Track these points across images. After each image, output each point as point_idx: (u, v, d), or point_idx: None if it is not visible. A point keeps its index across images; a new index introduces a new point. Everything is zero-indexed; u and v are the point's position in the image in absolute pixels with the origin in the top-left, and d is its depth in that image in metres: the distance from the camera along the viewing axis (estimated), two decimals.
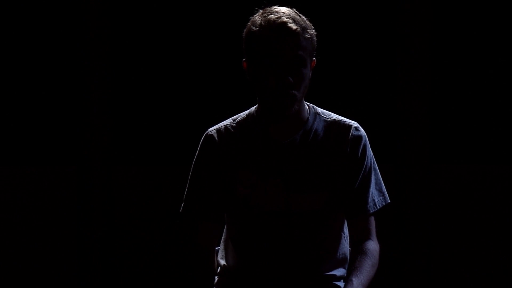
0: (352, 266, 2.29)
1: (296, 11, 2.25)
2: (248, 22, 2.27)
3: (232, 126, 2.37)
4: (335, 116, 2.37)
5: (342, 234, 2.39)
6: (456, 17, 4.28)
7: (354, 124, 2.36)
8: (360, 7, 4.30)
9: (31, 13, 4.30)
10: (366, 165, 2.34)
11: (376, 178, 2.37)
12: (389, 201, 2.40)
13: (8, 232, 4.30)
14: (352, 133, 2.33)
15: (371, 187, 2.35)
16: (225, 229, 2.44)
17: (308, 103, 2.37)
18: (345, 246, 2.41)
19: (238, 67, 2.56)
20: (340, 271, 2.39)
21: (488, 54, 4.28)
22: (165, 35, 4.33)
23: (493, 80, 4.28)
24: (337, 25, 4.29)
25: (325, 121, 2.35)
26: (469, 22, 4.28)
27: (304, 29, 2.20)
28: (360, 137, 2.34)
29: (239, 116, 2.39)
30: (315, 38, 2.25)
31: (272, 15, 2.20)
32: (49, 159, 4.33)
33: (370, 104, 4.31)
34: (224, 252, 2.44)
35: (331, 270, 2.37)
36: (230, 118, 2.40)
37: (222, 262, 2.43)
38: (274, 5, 2.26)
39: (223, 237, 2.46)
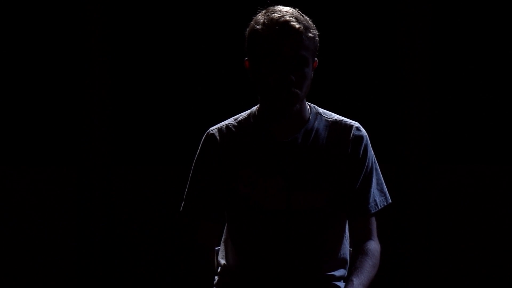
0: (353, 266, 2.29)
1: (299, 11, 2.26)
2: (250, 21, 2.28)
3: (233, 125, 2.37)
4: (336, 116, 2.38)
5: (343, 234, 2.40)
6: (456, 17, 4.29)
7: (355, 124, 2.36)
8: (362, 8, 4.30)
9: (31, 13, 4.30)
10: (367, 165, 2.34)
11: (378, 178, 2.37)
12: (390, 201, 2.40)
13: (8, 232, 4.29)
14: (353, 133, 2.34)
15: (373, 187, 2.35)
16: (225, 229, 2.44)
17: (309, 103, 2.37)
18: (346, 246, 2.41)
19: (239, 66, 2.56)
20: (340, 271, 2.39)
21: (488, 54, 4.28)
22: (166, 34, 4.33)
23: (493, 80, 4.28)
24: (339, 26, 4.29)
25: (326, 121, 2.36)
26: (469, 22, 4.28)
27: (306, 28, 2.21)
28: (361, 137, 2.34)
29: (240, 115, 2.39)
30: (317, 38, 2.26)
31: (275, 14, 2.21)
32: (49, 159, 4.33)
33: (371, 104, 4.31)
34: (224, 252, 2.44)
35: (331, 270, 2.37)
36: (232, 118, 2.40)
37: (222, 261, 2.44)
38: (277, 4, 2.27)
39: (223, 237, 2.46)
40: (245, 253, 2.35)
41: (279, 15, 2.21)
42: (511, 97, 4.28)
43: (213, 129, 2.38)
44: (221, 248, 2.47)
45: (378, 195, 2.36)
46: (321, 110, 2.38)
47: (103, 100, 4.29)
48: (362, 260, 2.28)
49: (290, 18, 2.20)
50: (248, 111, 2.39)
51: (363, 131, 2.36)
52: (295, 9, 2.26)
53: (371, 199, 2.34)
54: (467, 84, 4.29)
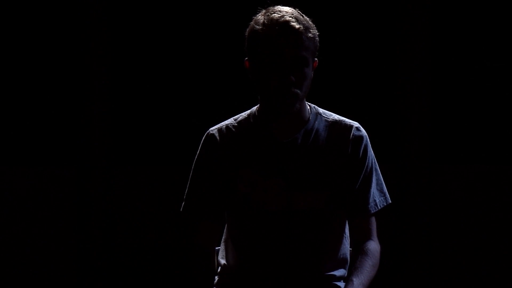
0: (353, 266, 2.29)
1: (299, 11, 2.26)
2: (250, 21, 2.28)
3: (233, 126, 2.37)
4: (336, 117, 2.38)
5: (343, 234, 2.40)
6: (456, 17, 4.29)
7: (355, 124, 2.36)
8: (362, 8, 4.31)
9: (31, 13, 4.30)
10: (367, 166, 2.34)
11: (377, 178, 2.37)
12: (390, 201, 2.40)
13: (8, 232, 4.30)
14: (353, 133, 2.34)
15: (372, 188, 2.35)
16: (225, 229, 2.44)
17: (309, 103, 2.37)
18: (346, 246, 2.41)
19: (239, 66, 2.56)
20: (340, 272, 2.39)
21: (488, 54, 4.28)
22: (166, 34, 4.34)
23: (493, 80, 4.28)
24: (339, 26, 4.29)
25: (326, 121, 2.36)
26: (469, 22, 4.28)
27: (306, 28, 2.21)
28: (361, 137, 2.34)
29: (240, 115, 2.40)
30: (317, 38, 2.26)
31: (275, 14, 2.21)
32: (49, 159, 4.33)
33: (371, 104, 4.31)
34: (224, 252, 2.44)
35: (332, 270, 2.37)
36: (232, 118, 2.40)
37: (222, 261, 2.44)
38: (277, 4, 2.27)
39: (223, 237, 2.46)
40: (245, 253, 2.35)
41: (279, 15, 2.21)
42: (511, 97, 4.28)
43: (213, 129, 2.38)
44: (221, 248, 2.47)
45: (378, 195, 2.36)
46: (321, 110, 2.38)
47: (103, 100, 4.29)
48: (362, 260, 2.28)
49: (290, 18, 2.20)
50: (248, 111, 2.39)
51: (363, 131, 2.36)
52: (295, 9, 2.26)
53: (371, 199, 2.34)
54: (467, 84, 4.29)
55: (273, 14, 2.22)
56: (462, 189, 4.27)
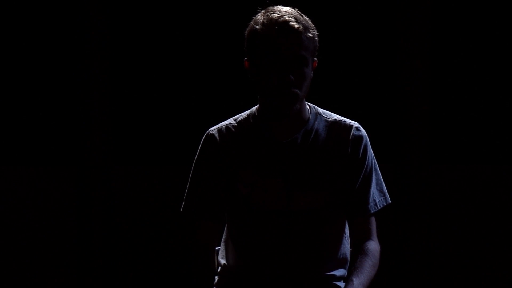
0: (353, 266, 2.29)
1: (298, 11, 2.26)
2: (250, 21, 2.28)
3: (233, 126, 2.37)
4: (336, 117, 2.38)
5: (343, 234, 2.40)
6: (456, 17, 4.29)
7: (355, 124, 2.36)
8: (361, 8, 4.31)
9: (31, 13, 4.30)
10: (367, 166, 2.34)
11: (377, 178, 2.37)
12: (390, 201, 2.40)
13: (8, 232, 4.30)
14: (353, 133, 2.34)
15: (372, 187, 2.35)
16: (225, 229, 2.45)
17: (309, 103, 2.37)
18: (346, 246, 2.41)
19: (239, 66, 2.56)
20: (340, 271, 2.39)
21: (488, 54, 4.28)
22: (165, 34, 4.34)
23: (493, 80, 4.28)
24: (339, 26, 4.30)
25: (326, 121, 2.36)
26: (469, 22, 4.28)
27: (306, 28, 2.21)
28: (361, 137, 2.34)
29: (240, 115, 2.40)
30: (317, 38, 2.26)
31: (275, 14, 2.22)
32: (49, 159, 4.33)
33: (371, 104, 4.32)
34: (224, 252, 2.44)
35: (332, 270, 2.37)
36: (231, 118, 2.40)
37: (223, 261, 2.44)
38: (277, 4, 2.27)
39: (223, 237, 2.46)
40: (245, 253, 2.35)
41: (278, 15, 2.21)
42: (510, 97, 4.29)
43: (213, 129, 2.38)
44: (221, 248, 2.47)
45: (378, 195, 2.36)
46: (321, 110, 2.38)
47: (103, 100, 4.29)
48: (362, 260, 2.28)
49: (290, 18, 2.20)
50: (248, 111, 2.39)
51: (363, 131, 2.36)
52: (294, 9, 2.26)
53: (371, 199, 2.34)
54: (467, 84, 4.29)
55: (272, 14, 2.22)
56: (462, 189, 4.27)
